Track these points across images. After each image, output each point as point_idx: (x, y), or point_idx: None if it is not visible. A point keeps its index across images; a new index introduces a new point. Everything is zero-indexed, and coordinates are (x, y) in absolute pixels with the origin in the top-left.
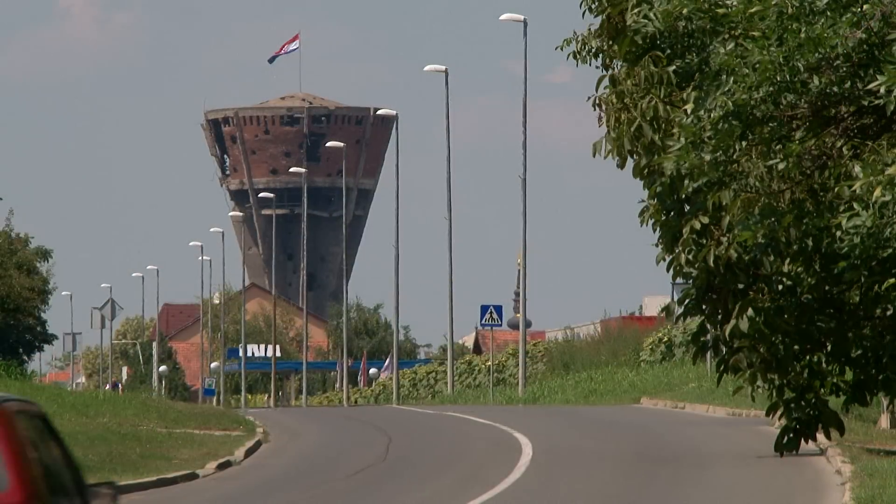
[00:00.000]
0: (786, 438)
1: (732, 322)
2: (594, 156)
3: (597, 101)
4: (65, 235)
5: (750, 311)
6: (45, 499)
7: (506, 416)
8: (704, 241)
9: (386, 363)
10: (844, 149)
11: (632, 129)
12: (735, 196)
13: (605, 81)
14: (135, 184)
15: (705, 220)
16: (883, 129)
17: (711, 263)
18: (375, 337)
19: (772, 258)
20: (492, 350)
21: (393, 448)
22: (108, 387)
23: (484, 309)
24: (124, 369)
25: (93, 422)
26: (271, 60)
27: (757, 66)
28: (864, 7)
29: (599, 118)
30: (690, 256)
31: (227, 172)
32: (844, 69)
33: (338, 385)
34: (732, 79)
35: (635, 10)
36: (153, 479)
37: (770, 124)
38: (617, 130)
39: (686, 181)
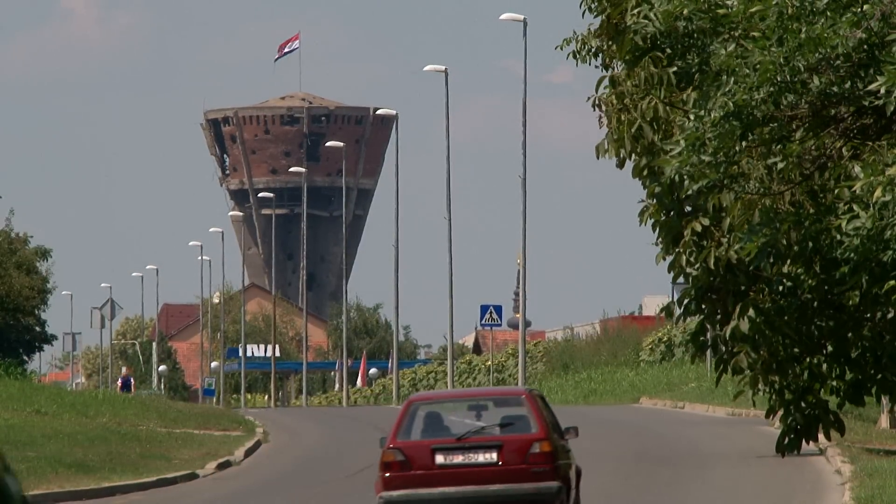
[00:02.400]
0: (787, 439)
1: (733, 323)
2: (598, 158)
3: (596, 102)
4: (65, 235)
5: (751, 312)
6: None
7: None
8: (705, 243)
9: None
10: (844, 149)
11: (632, 129)
12: (736, 198)
13: (605, 82)
14: (135, 184)
15: (706, 221)
16: (883, 129)
17: (712, 265)
18: (375, 337)
19: (772, 261)
20: (492, 350)
21: None
22: (118, 381)
23: (484, 309)
24: (124, 369)
25: (93, 422)
26: (277, 60)
27: (757, 66)
28: (865, 7)
29: (600, 119)
30: (691, 258)
31: (227, 172)
32: (844, 69)
33: (337, 385)
34: (733, 79)
35: (635, 11)
36: (153, 479)
37: (770, 125)
38: (618, 131)
39: (686, 183)
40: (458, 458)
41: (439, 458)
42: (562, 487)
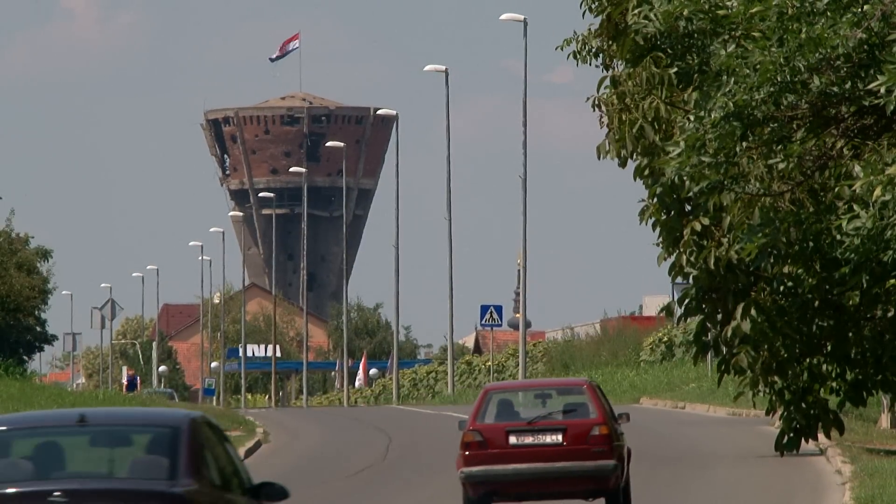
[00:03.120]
0: (786, 438)
1: (734, 323)
2: (599, 158)
3: (597, 102)
4: (65, 235)
5: (752, 312)
6: None
7: None
8: (705, 243)
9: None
10: (845, 149)
11: (633, 129)
12: (736, 198)
13: (606, 82)
14: (135, 184)
15: (706, 221)
16: (883, 129)
17: (712, 265)
18: (376, 337)
19: (772, 261)
20: (492, 350)
21: (393, 448)
22: (124, 381)
23: (484, 309)
24: (124, 369)
25: None
26: (274, 60)
27: (758, 66)
28: (865, 7)
29: (601, 119)
30: (692, 258)
31: (228, 172)
32: (845, 70)
33: (337, 385)
34: (733, 80)
35: (636, 11)
36: None
37: (771, 125)
38: (619, 131)
39: (687, 183)
40: (529, 440)
41: (512, 439)
42: (617, 465)
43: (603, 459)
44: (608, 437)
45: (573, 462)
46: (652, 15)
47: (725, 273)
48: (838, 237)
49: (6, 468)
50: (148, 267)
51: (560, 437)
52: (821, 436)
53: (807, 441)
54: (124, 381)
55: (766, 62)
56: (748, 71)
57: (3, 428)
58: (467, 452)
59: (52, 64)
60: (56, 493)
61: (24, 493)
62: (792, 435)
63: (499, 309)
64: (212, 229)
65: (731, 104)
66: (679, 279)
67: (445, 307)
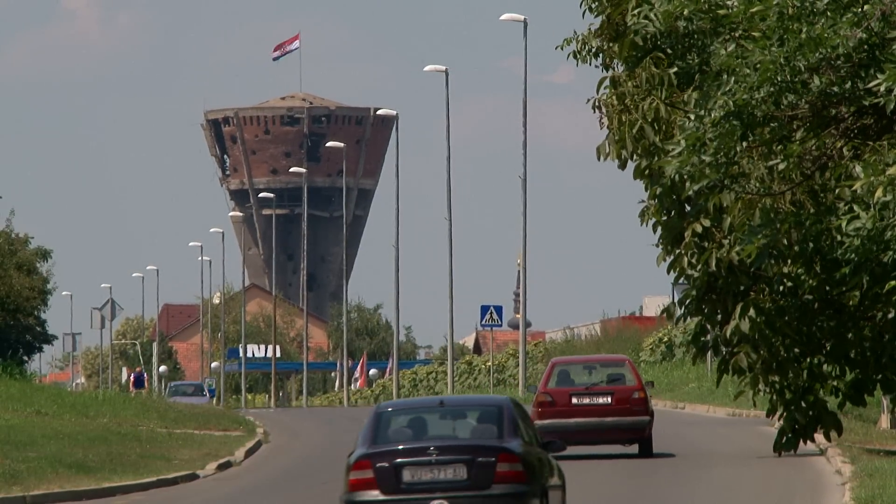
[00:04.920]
0: (784, 439)
1: (734, 322)
2: (599, 159)
3: (596, 104)
4: (65, 235)
5: (752, 312)
6: None
7: None
8: (706, 244)
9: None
10: (845, 149)
11: (633, 130)
12: (736, 198)
13: (606, 83)
14: (135, 184)
15: (707, 222)
16: (883, 129)
17: (713, 266)
18: (376, 337)
19: (773, 262)
20: (492, 350)
21: None
22: (131, 377)
23: (484, 309)
24: (124, 369)
25: (93, 422)
26: (276, 59)
27: (758, 65)
28: (865, 7)
29: (601, 120)
30: (693, 259)
31: (227, 172)
32: (845, 70)
33: (337, 385)
34: (733, 79)
35: (635, 10)
36: (153, 479)
37: (771, 124)
38: (619, 132)
39: (687, 184)
40: (586, 400)
41: (574, 400)
42: (650, 420)
43: (641, 416)
44: (645, 399)
45: (619, 417)
46: (652, 15)
47: (727, 274)
48: (839, 238)
49: (394, 433)
50: (148, 267)
51: (610, 399)
52: (821, 436)
53: (805, 442)
54: (130, 378)
55: (766, 61)
56: (748, 71)
57: (389, 409)
58: (539, 409)
59: (52, 64)
60: (431, 449)
61: (410, 448)
62: (790, 435)
63: (499, 309)
64: (212, 229)
65: (731, 103)
66: (680, 280)
67: (445, 307)
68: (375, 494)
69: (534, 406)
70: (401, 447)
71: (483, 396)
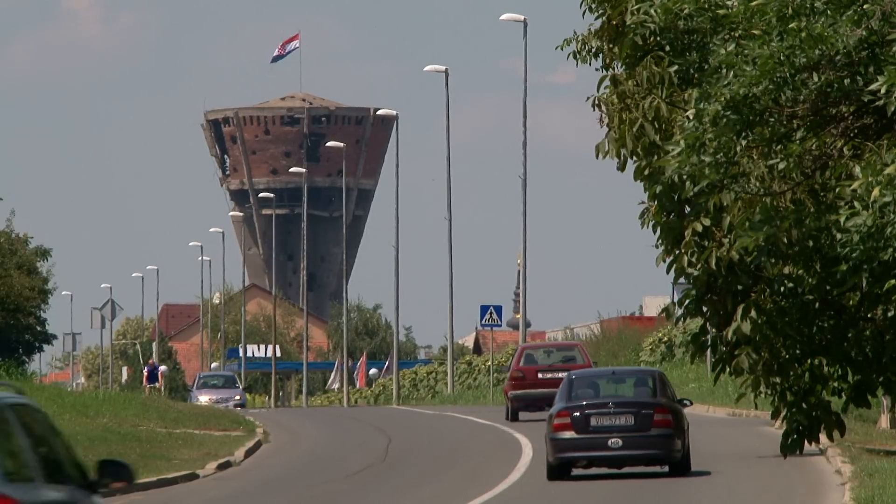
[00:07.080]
0: (789, 440)
1: (735, 324)
2: (598, 157)
3: (596, 102)
4: (65, 235)
5: (753, 313)
6: None
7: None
8: (706, 244)
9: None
10: (845, 149)
11: (634, 129)
12: (736, 198)
13: (606, 81)
14: (135, 184)
15: (707, 222)
16: (883, 129)
17: (713, 265)
18: (376, 337)
19: (773, 261)
20: (492, 350)
21: (393, 448)
22: (145, 371)
23: (484, 309)
24: (124, 369)
25: (93, 422)
26: (274, 60)
27: (757, 59)
28: (865, 6)
29: (601, 119)
30: (693, 258)
31: (227, 172)
32: (845, 67)
33: (336, 385)
34: (732, 73)
35: (635, 8)
36: (153, 479)
37: (770, 120)
38: (619, 131)
39: (687, 184)
40: (549, 375)
41: (539, 375)
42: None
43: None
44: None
45: None
46: (652, 11)
47: (727, 274)
48: (838, 236)
49: (581, 392)
50: (148, 267)
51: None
52: (822, 436)
53: (809, 443)
54: (144, 371)
55: (765, 56)
56: (747, 66)
57: (575, 377)
58: (514, 382)
59: (53, 64)
60: (609, 404)
61: (594, 403)
62: (795, 437)
63: (499, 309)
64: (212, 229)
65: (730, 96)
66: (680, 280)
67: (445, 307)
68: (571, 434)
69: (508, 380)
70: (586, 402)
71: (639, 368)
